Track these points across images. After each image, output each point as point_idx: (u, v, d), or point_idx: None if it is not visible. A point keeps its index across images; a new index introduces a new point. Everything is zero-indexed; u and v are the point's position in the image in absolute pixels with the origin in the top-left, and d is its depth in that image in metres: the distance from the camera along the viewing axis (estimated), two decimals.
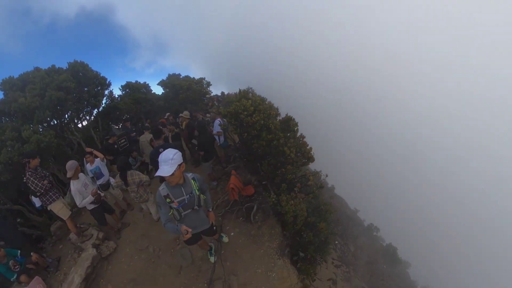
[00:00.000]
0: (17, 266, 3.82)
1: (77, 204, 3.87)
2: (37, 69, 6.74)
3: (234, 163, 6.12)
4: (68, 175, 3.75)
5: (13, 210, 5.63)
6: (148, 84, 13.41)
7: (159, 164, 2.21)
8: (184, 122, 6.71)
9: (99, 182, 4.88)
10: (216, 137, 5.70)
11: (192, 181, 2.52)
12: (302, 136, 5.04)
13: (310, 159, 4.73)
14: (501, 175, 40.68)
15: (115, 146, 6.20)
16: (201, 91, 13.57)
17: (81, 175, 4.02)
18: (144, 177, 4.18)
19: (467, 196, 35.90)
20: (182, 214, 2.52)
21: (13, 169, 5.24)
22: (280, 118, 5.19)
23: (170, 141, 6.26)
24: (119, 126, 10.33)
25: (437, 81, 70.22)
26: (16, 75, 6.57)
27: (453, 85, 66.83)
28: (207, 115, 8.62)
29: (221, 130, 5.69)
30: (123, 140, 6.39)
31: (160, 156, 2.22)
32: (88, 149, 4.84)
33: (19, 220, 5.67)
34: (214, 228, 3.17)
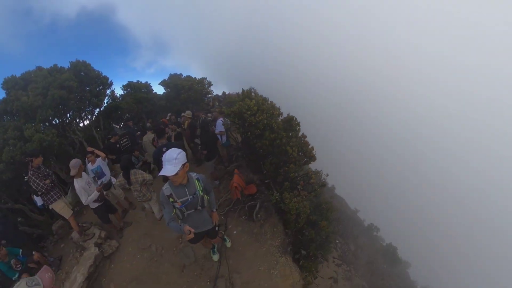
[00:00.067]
0: (19, 265, 3.82)
1: (83, 201, 3.88)
2: (39, 68, 6.75)
3: (237, 162, 6.14)
4: (72, 173, 3.76)
5: (14, 209, 5.64)
6: (149, 84, 13.44)
7: (163, 163, 2.18)
8: (186, 121, 6.73)
9: (100, 182, 4.87)
10: (219, 137, 5.72)
11: (196, 181, 2.50)
12: (304, 136, 5.07)
13: (312, 158, 4.76)
14: (501, 175, 40.71)
15: (117, 145, 6.20)
16: (202, 91, 13.58)
17: (84, 173, 4.03)
18: (147, 176, 4.20)
19: (467, 196, 35.93)
20: (185, 213, 2.51)
21: (15, 168, 5.25)
22: (282, 118, 5.21)
23: (173, 140, 6.28)
24: (120, 126, 10.35)
25: (437, 81, 70.34)
26: (18, 75, 6.59)
27: (453, 85, 66.94)
28: (208, 114, 8.65)
29: (223, 130, 5.71)
30: (125, 139, 6.40)
31: (163, 155, 2.19)
32: (89, 149, 4.78)
33: (20, 219, 5.67)
34: (217, 229, 3.14)
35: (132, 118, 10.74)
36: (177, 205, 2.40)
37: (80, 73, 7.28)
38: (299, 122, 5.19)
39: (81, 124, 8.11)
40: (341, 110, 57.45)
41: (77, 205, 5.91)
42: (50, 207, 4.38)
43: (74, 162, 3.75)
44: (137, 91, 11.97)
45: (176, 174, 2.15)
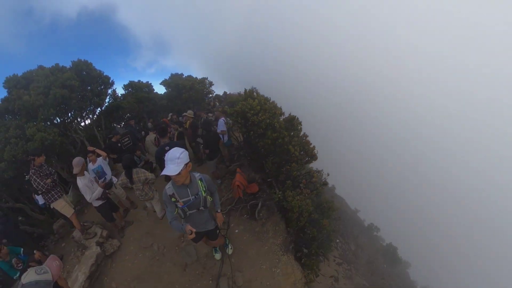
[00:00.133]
0: (20, 264, 3.80)
1: (87, 199, 3.89)
2: (41, 68, 6.76)
3: (238, 162, 6.16)
4: (75, 171, 3.77)
5: (15, 208, 5.64)
6: (150, 83, 13.45)
7: (165, 162, 2.15)
8: (188, 121, 6.74)
9: (101, 181, 4.86)
10: (221, 136, 5.74)
11: (199, 181, 2.47)
12: (305, 135, 5.08)
13: (314, 157, 4.76)
14: (501, 175, 40.74)
15: (119, 144, 6.21)
16: (203, 91, 13.61)
17: (86, 172, 4.04)
18: (150, 175, 4.20)
19: (467, 196, 35.95)
20: (187, 213, 2.50)
21: (16, 166, 5.26)
22: (284, 117, 5.23)
23: (175, 140, 6.29)
24: (121, 125, 10.35)
25: (437, 81, 70.40)
26: (19, 74, 6.59)
27: (453, 85, 66.99)
28: (209, 114, 8.66)
29: (225, 129, 5.73)
30: (127, 138, 6.40)
31: (166, 154, 2.17)
32: (90, 148, 4.76)
33: (20, 218, 5.68)
34: (218, 231, 3.09)
35: (133, 117, 10.74)
36: (179, 204, 2.39)
37: (81, 72, 7.28)
38: (301, 122, 5.20)
39: (83, 124, 8.12)
40: (341, 110, 57.50)
41: (78, 204, 5.93)
42: (51, 206, 4.39)
43: (77, 161, 3.76)
44: (139, 91, 12.00)
45: (179, 173, 2.12)
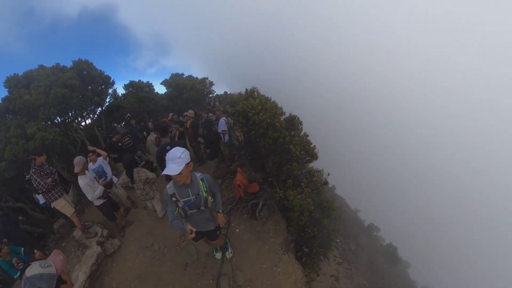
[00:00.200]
0: (21, 264, 3.80)
1: (89, 198, 3.89)
2: (41, 67, 6.76)
3: (239, 161, 6.16)
4: (76, 170, 3.77)
5: (15, 208, 5.65)
6: (151, 83, 13.47)
7: (166, 162, 2.14)
8: (189, 120, 6.75)
9: (101, 181, 4.86)
10: (221, 135, 5.74)
11: (200, 181, 2.46)
12: (306, 135, 5.09)
13: (314, 156, 4.77)
14: (501, 175, 40.76)
15: (119, 144, 6.21)
16: (204, 91, 13.63)
17: (87, 171, 4.04)
18: (151, 174, 4.20)
19: (467, 196, 35.96)
20: (187, 212, 2.50)
21: (17, 166, 5.26)
22: (285, 117, 5.24)
23: (176, 139, 6.29)
24: (121, 125, 10.36)
25: (437, 81, 70.44)
26: (20, 74, 6.59)
27: (453, 85, 67.05)
28: (210, 114, 8.66)
29: (226, 129, 5.73)
30: (127, 138, 6.40)
31: (167, 154, 2.16)
32: (90, 148, 4.76)
33: (21, 217, 5.68)
34: (218, 233, 3.06)
35: (133, 117, 10.76)
36: (179, 204, 2.39)
37: (82, 72, 7.28)
38: (301, 121, 5.21)
39: (83, 123, 8.13)
40: (341, 110, 57.52)
41: (79, 204, 5.93)
42: (52, 206, 4.39)
43: (78, 160, 3.76)
44: (139, 91, 12.02)
45: (180, 173, 2.11)
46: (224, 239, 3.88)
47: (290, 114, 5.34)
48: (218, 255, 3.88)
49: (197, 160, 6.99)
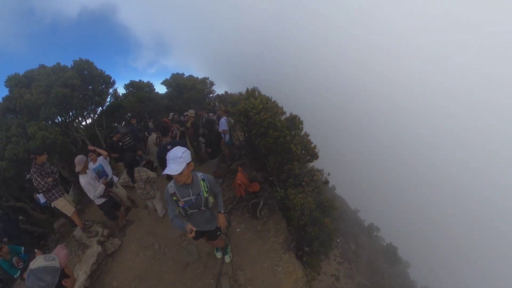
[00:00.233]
0: (21, 263, 3.80)
1: (90, 196, 3.89)
2: (42, 67, 6.75)
3: (240, 161, 6.17)
4: (77, 169, 3.77)
5: (15, 207, 5.65)
6: (151, 83, 13.46)
7: (167, 162, 2.12)
8: (190, 120, 6.75)
9: (102, 180, 4.86)
10: (222, 135, 5.74)
11: (201, 181, 2.43)
12: (307, 134, 5.09)
13: (315, 156, 4.77)
14: (501, 175, 40.78)
15: (120, 143, 6.20)
16: (204, 91, 13.63)
17: (88, 170, 4.04)
18: (152, 174, 4.20)
19: (467, 196, 36.00)
20: (188, 212, 2.50)
21: (17, 165, 5.26)
22: (286, 116, 5.24)
23: (177, 139, 6.28)
24: (122, 124, 10.36)
25: (437, 81, 70.47)
26: (21, 73, 6.59)
27: (453, 85, 67.09)
28: (210, 114, 8.66)
29: (227, 128, 5.73)
30: (128, 137, 6.40)
31: (168, 153, 2.14)
32: (91, 147, 4.75)
33: (21, 217, 5.68)
34: (218, 233, 3.04)
35: (134, 117, 10.76)
36: (180, 203, 2.39)
37: (83, 71, 7.27)
38: (302, 121, 5.21)
39: (84, 123, 8.13)
40: (341, 110, 57.56)
41: (79, 204, 5.93)
42: (52, 205, 4.39)
43: (79, 159, 3.76)
44: (140, 90, 12.00)
45: (181, 173, 2.09)
46: (225, 242, 3.86)
47: (291, 114, 5.35)
48: (219, 255, 3.88)
49: (197, 160, 6.99)
